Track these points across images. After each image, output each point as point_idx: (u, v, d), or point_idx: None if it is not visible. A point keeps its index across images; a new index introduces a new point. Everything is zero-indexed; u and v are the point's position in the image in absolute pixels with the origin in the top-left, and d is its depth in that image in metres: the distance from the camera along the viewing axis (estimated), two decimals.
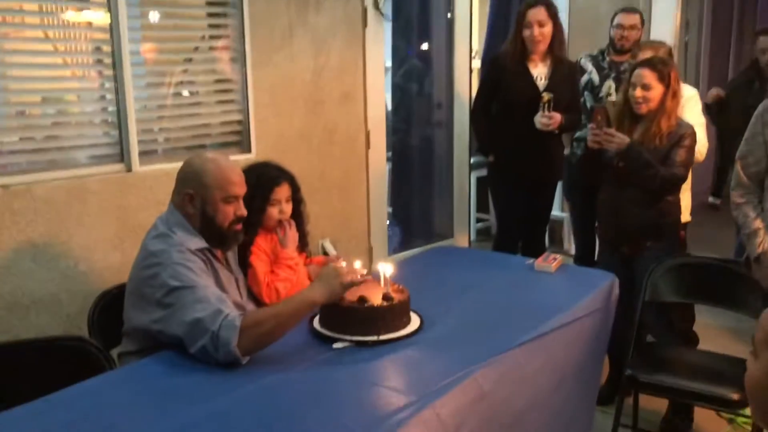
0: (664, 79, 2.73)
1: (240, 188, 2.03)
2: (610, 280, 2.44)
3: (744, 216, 2.47)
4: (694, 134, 2.77)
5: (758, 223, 2.43)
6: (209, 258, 2.00)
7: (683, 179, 2.79)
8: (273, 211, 2.28)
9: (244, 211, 2.04)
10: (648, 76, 2.73)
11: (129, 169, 2.74)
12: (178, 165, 2.88)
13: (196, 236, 1.98)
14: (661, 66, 2.76)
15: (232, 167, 2.04)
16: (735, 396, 2.33)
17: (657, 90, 2.73)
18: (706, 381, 2.44)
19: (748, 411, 2.58)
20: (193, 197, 1.98)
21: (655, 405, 2.95)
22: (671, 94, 2.74)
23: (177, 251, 1.89)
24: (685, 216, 3.08)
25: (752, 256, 2.46)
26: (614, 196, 2.89)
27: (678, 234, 2.95)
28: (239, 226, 2.06)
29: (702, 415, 2.86)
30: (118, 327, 2.10)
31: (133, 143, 2.73)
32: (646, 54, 3.28)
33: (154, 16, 2.94)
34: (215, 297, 1.83)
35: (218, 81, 3.09)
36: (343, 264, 2.08)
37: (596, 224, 3.69)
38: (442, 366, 1.77)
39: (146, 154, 2.81)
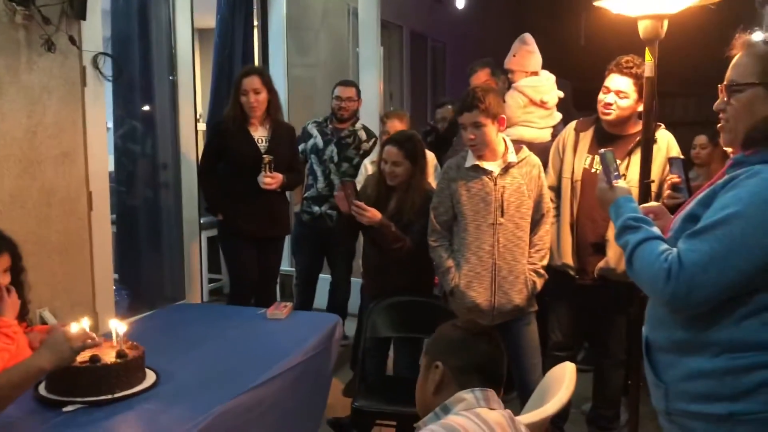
0: (411, 156, 3.01)
1: None
2: (335, 321, 2.69)
3: (439, 257, 2.91)
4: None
5: (450, 263, 2.88)
6: None
7: (426, 244, 2.98)
8: None
9: None
10: (395, 154, 3.00)
11: None
12: None
13: None
14: (408, 144, 3.02)
15: None
16: None
17: (404, 166, 3.00)
18: None
19: None
20: None
21: None
22: (419, 169, 3.04)
23: None
24: None
25: (447, 290, 2.90)
26: (374, 257, 3.12)
27: (433, 286, 3.22)
28: None
29: None
30: None
31: None
32: (393, 122, 3.73)
33: None
34: None
35: None
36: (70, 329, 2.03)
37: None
38: (178, 416, 1.82)
39: None
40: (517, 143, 2.92)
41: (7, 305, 2.17)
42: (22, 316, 2.30)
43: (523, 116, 3.62)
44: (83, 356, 1.90)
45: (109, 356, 1.94)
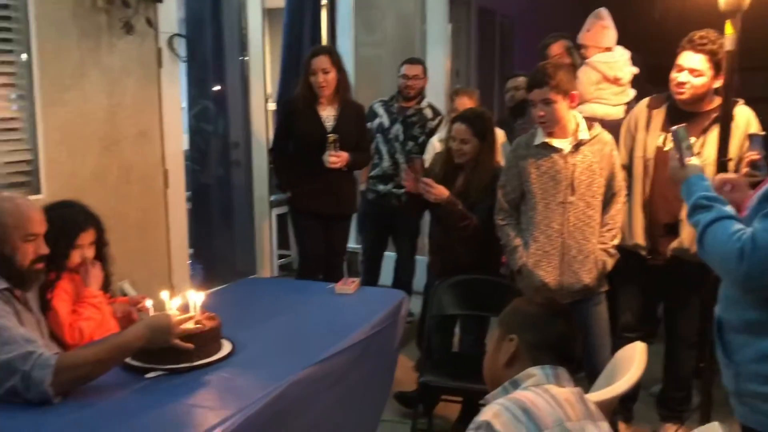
0: (479, 133, 2.99)
1: (40, 226, 2.00)
2: (401, 297, 2.72)
3: (506, 235, 2.90)
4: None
5: (518, 241, 2.87)
6: (9, 299, 1.94)
7: (493, 223, 2.99)
8: (75, 255, 2.28)
9: (45, 249, 2.01)
10: (463, 131, 2.99)
11: None
12: None
13: None
14: (477, 121, 3.00)
15: (30, 205, 2.01)
16: None
17: (472, 143, 2.98)
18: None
19: None
20: None
21: (449, 412, 3.29)
22: (487, 147, 3.02)
23: None
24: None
25: (514, 268, 2.90)
26: (440, 235, 3.13)
27: (499, 265, 3.22)
28: (40, 265, 2.02)
29: None
30: None
31: None
32: (462, 100, 3.69)
33: None
34: (23, 338, 1.78)
35: (2, 120, 2.96)
36: (149, 303, 2.13)
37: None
38: (253, 384, 1.89)
39: None
40: (590, 120, 2.86)
41: (92, 277, 2.30)
42: (106, 287, 2.43)
43: (595, 92, 3.54)
44: None
45: (188, 326, 2.02)
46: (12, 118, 2.98)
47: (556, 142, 2.76)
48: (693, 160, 1.82)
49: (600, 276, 2.82)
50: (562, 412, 1.40)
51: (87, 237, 2.30)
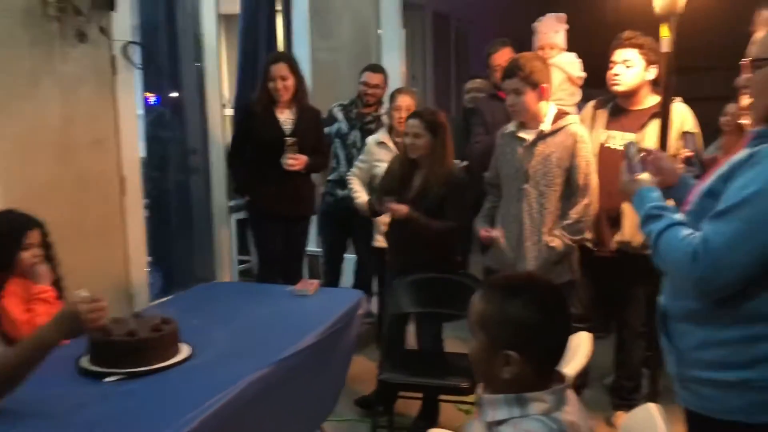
0: (432, 128, 3.07)
1: None
2: (358, 296, 2.78)
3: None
4: (464, 186, 3.14)
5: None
6: None
7: (461, 228, 3.14)
8: (27, 255, 2.30)
9: None
10: (416, 126, 3.08)
11: None
12: None
13: None
14: (429, 116, 3.10)
15: None
16: (465, 384, 2.78)
17: (425, 138, 3.07)
18: (443, 376, 2.88)
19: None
20: None
21: (409, 409, 3.35)
22: (440, 142, 3.09)
23: None
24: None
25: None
26: (398, 234, 3.21)
27: (455, 263, 3.32)
28: None
29: (446, 412, 3.30)
30: None
31: None
32: (404, 98, 3.72)
33: None
34: None
35: None
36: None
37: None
38: (210, 386, 1.92)
39: None
40: (564, 114, 2.93)
41: (41, 274, 2.34)
42: (58, 288, 2.45)
43: (558, 93, 3.62)
44: (121, 330, 2.03)
45: (145, 331, 2.05)
46: None
47: (522, 133, 2.88)
48: (643, 175, 1.86)
49: (546, 264, 2.85)
50: None
51: (33, 236, 2.34)
